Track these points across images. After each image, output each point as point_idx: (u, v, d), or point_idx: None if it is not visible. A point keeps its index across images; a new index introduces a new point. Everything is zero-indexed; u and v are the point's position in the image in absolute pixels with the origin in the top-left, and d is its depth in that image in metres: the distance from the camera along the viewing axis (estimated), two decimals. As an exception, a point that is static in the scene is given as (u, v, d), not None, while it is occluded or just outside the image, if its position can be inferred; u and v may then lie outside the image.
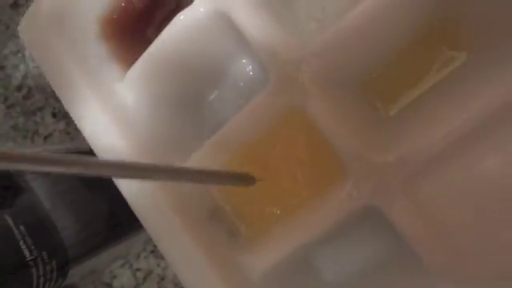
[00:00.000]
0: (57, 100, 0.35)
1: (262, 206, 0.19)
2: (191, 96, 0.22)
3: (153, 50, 0.19)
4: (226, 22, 0.17)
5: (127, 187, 0.20)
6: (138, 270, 0.28)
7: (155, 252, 0.28)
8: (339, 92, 0.17)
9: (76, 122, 0.21)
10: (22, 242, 0.14)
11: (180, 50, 0.19)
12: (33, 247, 0.14)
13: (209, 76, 0.21)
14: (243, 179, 0.17)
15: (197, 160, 0.19)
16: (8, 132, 0.35)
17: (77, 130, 0.33)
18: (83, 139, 0.21)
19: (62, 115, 0.34)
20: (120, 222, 0.21)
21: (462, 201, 0.15)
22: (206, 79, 0.21)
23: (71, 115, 0.21)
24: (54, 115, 0.34)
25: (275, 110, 0.18)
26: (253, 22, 0.17)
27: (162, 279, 0.28)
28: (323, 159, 0.17)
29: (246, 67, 0.21)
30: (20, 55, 0.35)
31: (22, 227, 0.15)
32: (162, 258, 0.28)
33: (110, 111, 0.21)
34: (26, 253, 0.14)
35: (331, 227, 0.17)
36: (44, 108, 0.35)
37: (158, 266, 0.28)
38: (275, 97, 0.17)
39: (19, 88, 0.35)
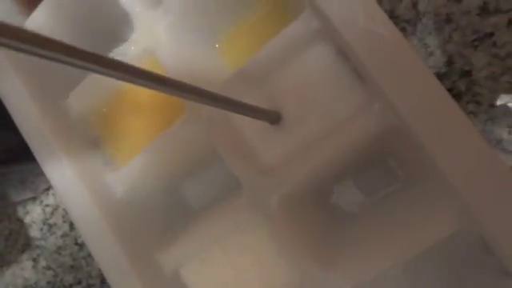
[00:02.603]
0: None
1: (132, 139, 0.23)
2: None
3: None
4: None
5: (21, 119, 0.24)
6: (47, 205, 0.32)
7: (61, 189, 0.32)
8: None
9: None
10: None
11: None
12: None
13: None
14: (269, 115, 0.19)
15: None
16: None
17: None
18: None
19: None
20: (17, 147, 0.25)
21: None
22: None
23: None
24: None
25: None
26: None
27: (67, 213, 0.31)
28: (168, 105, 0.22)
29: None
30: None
31: None
32: (67, 194, 0.31)
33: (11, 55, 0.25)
34: None
35: (177, 156, 0.22)
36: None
37: (64, 201, 0.31)
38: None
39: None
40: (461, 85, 0.20)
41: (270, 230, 0.20)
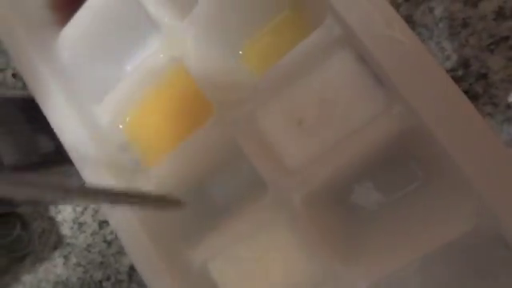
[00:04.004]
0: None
1: (161, 142, 0.25)
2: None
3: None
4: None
5: (58, 124, 0.25)
6: (77, 205, 0.34)
7: (91, 190, 0.33)
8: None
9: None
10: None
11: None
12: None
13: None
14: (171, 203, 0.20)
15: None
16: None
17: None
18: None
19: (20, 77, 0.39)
20: (52, 151, 0.27)
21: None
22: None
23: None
24: (13, 76, 0.39)
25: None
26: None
27: (96, 212, 0.33)
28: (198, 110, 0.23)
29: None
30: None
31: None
32: (96, 194, 0.33)
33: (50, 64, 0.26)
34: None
35: (205, 157, 0.23)
36: (6, 70, 0.40)
37: (93, 201, 0.33)
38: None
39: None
40: (477, 87, 0.21)
41: (293, 228, 0.21)
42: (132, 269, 0.32)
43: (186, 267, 0.23)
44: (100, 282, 0.33)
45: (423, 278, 0.19)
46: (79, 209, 0.34)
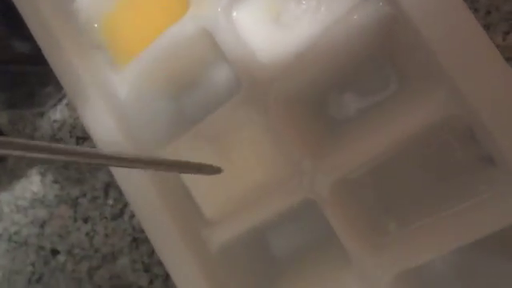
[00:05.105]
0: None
1: (134, 42, 0.24)
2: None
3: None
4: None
5: (33, 22, 0.24)
6: (54, 121, 0.33)
7: (69, 105, 0.33)
8: None
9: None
10: None
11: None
12: None
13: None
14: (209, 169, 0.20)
15: None
16: None
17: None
18: None
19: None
20: (27, 52, 0.26)
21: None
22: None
23: None
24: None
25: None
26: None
27: (74, 128, 0.33)
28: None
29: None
30: None
31: None
32: (74, 109, 0.33)
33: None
34: None
35: (179, 54, 0.22)
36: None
37: (71, 116, 0.33)
38: None
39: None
40: (460, -9, 0.21)
41: (267, 126, 0.21)
42: (108, 185, 0.32)
43: (160, 175, 0.23)
44: (77, 198, 0.33)
45: (386, 174, 0.20)
46: (56, 125, 0.33)
